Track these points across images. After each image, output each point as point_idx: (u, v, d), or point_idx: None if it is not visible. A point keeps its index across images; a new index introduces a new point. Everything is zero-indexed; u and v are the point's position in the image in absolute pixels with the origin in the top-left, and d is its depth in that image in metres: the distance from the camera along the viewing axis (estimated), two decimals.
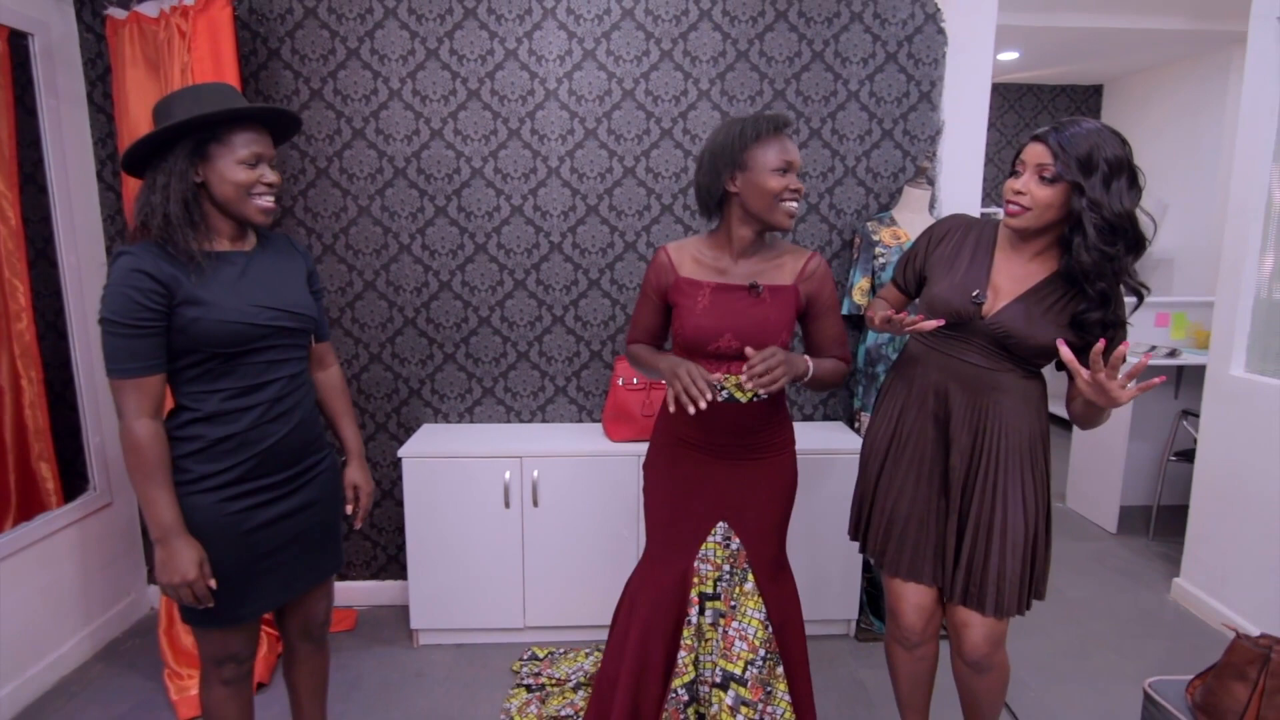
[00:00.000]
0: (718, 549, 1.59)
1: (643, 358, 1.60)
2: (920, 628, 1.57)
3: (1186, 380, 3.31)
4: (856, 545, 1.67)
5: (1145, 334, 3.48)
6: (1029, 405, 1.43)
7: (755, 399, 1.51)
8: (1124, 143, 1.29)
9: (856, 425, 2.48)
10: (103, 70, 2.31)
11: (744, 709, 1.52)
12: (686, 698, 1.57)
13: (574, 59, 2.34)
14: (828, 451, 2.29)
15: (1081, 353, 1.32)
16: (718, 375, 1.47)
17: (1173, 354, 3.25)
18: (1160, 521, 3.23)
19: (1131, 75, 4.90)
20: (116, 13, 2.09)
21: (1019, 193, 1.34)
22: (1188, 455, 2.92)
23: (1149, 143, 4.80)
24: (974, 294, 1.39)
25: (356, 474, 1.59)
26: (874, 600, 2.43)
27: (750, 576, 1.57)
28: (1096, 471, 3.41)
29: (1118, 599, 2.70)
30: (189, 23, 2.00)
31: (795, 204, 1.45)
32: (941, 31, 2.37)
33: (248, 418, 1.33)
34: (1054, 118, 5.13)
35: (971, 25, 2.36)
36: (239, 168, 1.29)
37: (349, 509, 1.57)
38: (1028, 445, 1.43)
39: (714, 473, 1.56)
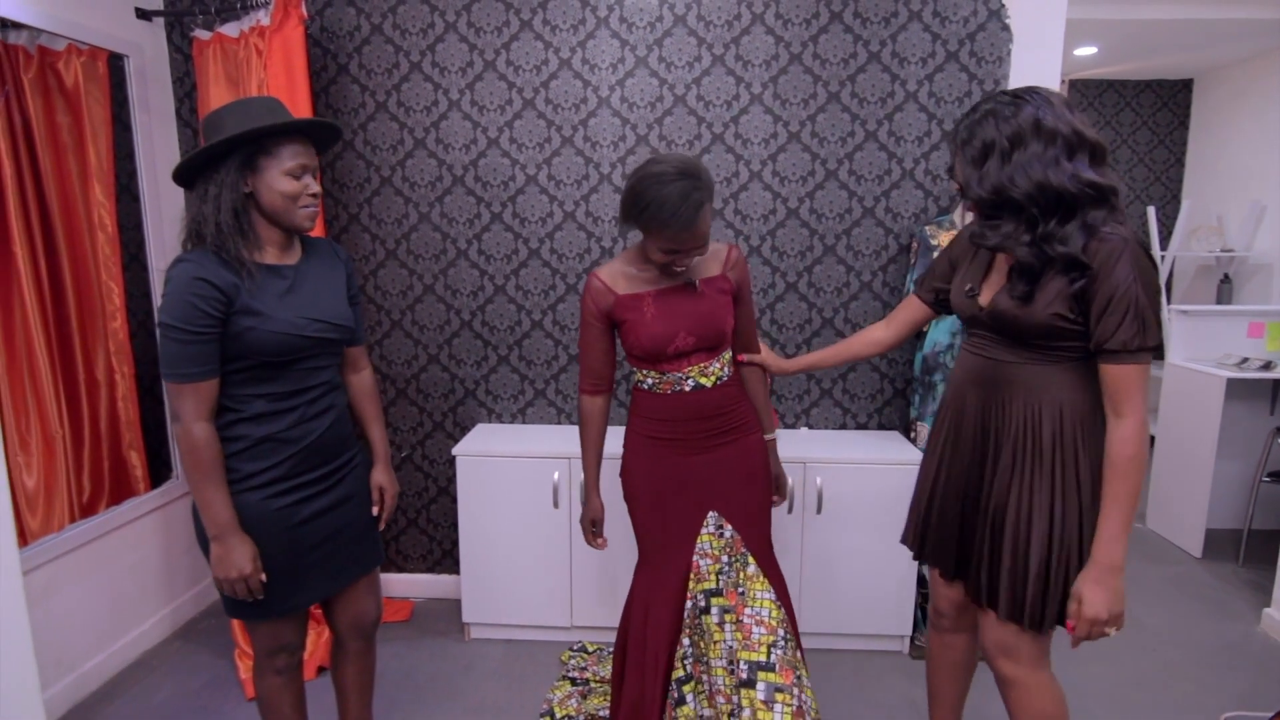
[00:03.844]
0: (713, 540, 1.60)
1: (587, 443, 1.69)
2: (951, 614, 1.59)
3: None
4: (910, 556, 1.63)
5: (1238, 345, 3.23)
6: (1050, 398, 1.32)
7: (719, 381, 1.59)
8: (1011, 114, 1.22)
9: (912, 435, 2.41)
10: (189, 88, 2.48)
11: (779, 696, 1.47)
12: (677, 694, 1.56)
13: (626, 66, 2.37)
14: (882, 462, 2.24)
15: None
16: (682, 369, 1.56)
17: (1267, 366, 3.01)
18: (1251, 547, 3.00)
19: (1224, 68, 4.57)
20: (202, 34, 2.24)
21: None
22: None
23: (1244, 140, 4.46)
24: (967, 288, 1.42)
25: (382, 475, 1.63)
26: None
27: (751, 559, 1.59)
28: (1180, 491, 3.19)
29: (1200, 628, 2.52)
30: (265, 42, 2.13)
31: (684, 267, 1.53)
32: (1006, 28, 2.28)
33: (289, 418, 1.39)
34: (1137, 115, 4.87)
35: (1039, 21, 2.27)
36: (285, 179, 1.35)
37: (374, 510, 1.61)
38: (1053, 442, 1.31)
39: (692, 464, 1.60)
